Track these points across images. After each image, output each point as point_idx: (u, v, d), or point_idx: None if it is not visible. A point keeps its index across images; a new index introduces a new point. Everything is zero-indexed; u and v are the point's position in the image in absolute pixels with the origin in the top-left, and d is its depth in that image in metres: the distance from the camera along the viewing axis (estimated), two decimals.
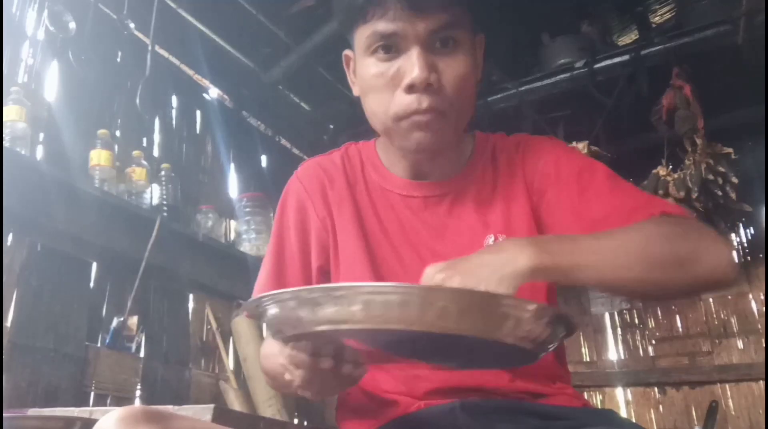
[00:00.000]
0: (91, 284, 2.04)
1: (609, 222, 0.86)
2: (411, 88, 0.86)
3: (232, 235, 2.69)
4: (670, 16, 2.89)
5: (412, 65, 0.85)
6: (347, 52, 0.99)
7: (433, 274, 0.72)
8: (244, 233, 2.65)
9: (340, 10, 0.93)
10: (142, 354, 2.10)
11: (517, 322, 0.59)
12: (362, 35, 0.90)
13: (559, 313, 0.63)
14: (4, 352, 1.65)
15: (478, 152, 1.04)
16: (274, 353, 0.91)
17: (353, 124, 3.22)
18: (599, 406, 3.23)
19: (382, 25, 0.86)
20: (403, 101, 0.87)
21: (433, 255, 0.95)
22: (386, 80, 0.88)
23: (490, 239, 0.95)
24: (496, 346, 0.61)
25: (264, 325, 1.05)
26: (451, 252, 0.94)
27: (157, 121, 2.57)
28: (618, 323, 3.45)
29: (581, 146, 2.82)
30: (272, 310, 0.63)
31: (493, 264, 0.73)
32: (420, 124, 0.88)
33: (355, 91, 0.98)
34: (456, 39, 0.88)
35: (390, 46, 0.88)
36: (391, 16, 0.85)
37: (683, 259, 0.80)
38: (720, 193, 2.69)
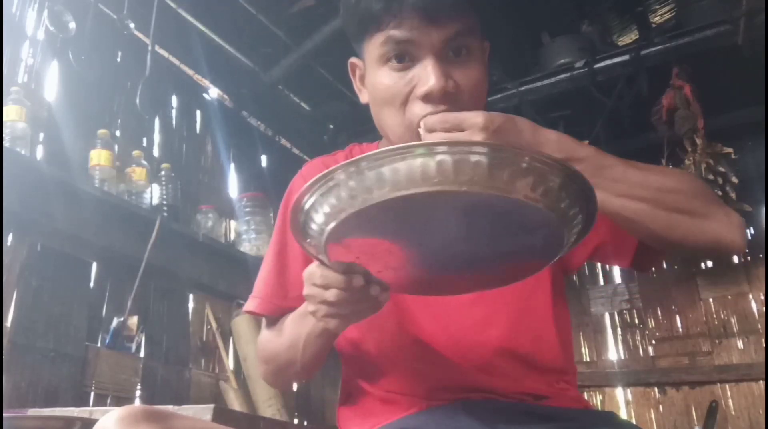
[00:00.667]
0: (91, 284, 2.04)
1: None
2: (428, 98, 0.84)
3: (232, 235, 2.69)
4: (670, 16, 2.90)
5: (427, 75, 0.84)
6: (354, 60, 0.98)
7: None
8: (244, 233, 2.65)
9: (353, 17, 0.91)
10: (142, 354, 2.10)
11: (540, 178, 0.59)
12: (375, 43, 0.89)
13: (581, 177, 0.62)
14: (4, 352, 1.65)
15: None
16: (271, 337, 0.99)
17: (353, 124, 3.22)
18: (599, 407, 3.24)
19: (398, 33, 0.85)
20: (419, 110, 0.85)
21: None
22: (399, 90, 0.87)
23: None
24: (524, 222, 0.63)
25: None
26: None
27: (157, 121, 2.57)
28: (618, 323, 3.45)
29: None
30: (332, 183, 0.61)
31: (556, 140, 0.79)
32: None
33: (363, 99, 0.97)
34: (468, 47, 0.88)
35: (403, 56, 0.87)
36: (405, 23, 0.84)
37: (707, 209, 0.84)
38: (720, 193, 2.69)
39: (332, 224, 0.63)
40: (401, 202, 0.59)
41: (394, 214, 0.62)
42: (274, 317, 1.01)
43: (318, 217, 0.64)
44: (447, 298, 0.90)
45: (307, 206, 0.64)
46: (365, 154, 0.59)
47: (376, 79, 0.90)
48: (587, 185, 0.61)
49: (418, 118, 0.85)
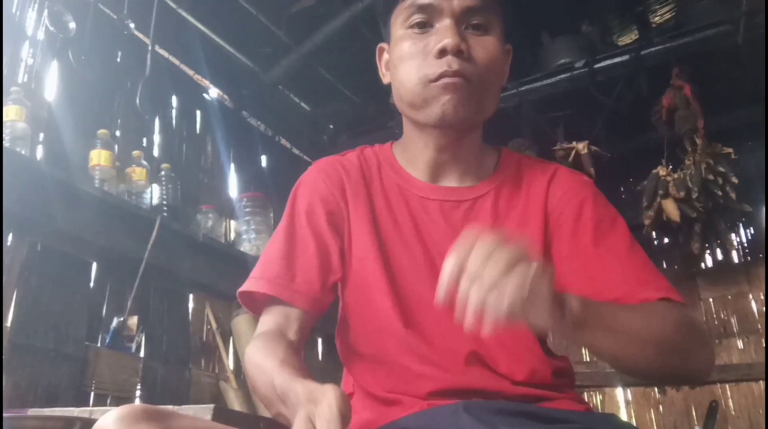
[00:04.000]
0: (91, 284, 2.04)
1: (613, 285, 0.90)
2: (442, 53, 0.90)
3: (232, 235, 2.69)
4: (670, 16, 2.89)
5: (444, 34, 0.91)
6: (382, 44, 1.04)
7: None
8: (244, 233, 2.65)
9: None
10: (142, 354, 2.10)
11: None
12: (400, 9, 0.96)
13: None
14: (4, 352, 1.65)
15: (503, 166, 1.05)
16: (258, 363, 0.86)
17: (353, 124, 3.23)
18: (599, 407, 3.24)
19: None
20: (434, 64, 0.91)
21: (443, 258, 0.94)
22: (419, 49, 0.93)
23: None
24: None
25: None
26: None
27: (157, 121, 2.57)
28: None
29: (581, 146, 2.82)
30: None
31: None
32: (448, 87, 0.91)
33: (385, 80, 1.02)
34: (487, 24, 0.94)
35: (425, 21, 0.93)
36: None
37: (685, 352, 0.85)
38: (720, 193, 2.69)
39: None
40: None
41: None
42: (272, 317, 0.96)
43: None
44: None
45: None
46: None
47: (398, 44, 0.96)
48: None
49: (433, 72, 0.90)
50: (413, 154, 1.03)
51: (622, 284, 0.90)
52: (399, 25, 0.96)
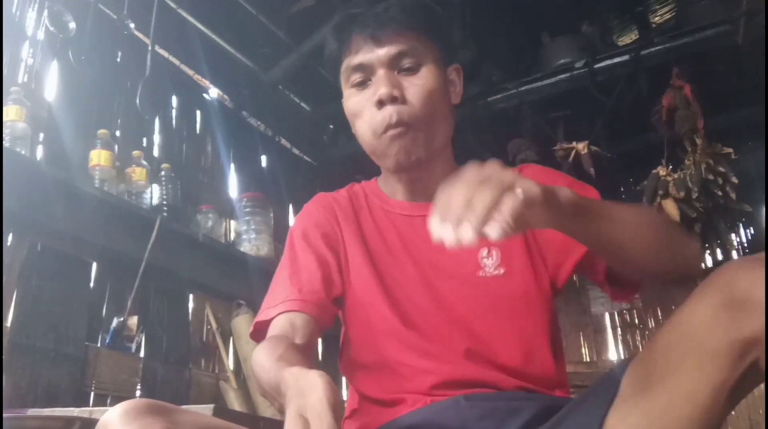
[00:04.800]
0: (91, 284, 2.04)
1: None
2: (380, 103, 0.99)
3: (232, 235, 2.68)
4: (670, 16, 2.90)
5: (378, 84, 0.99)
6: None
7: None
8: (244, 233, 2.65)
9: (326, 62, 1.09)
10: (142, 354, 2.10)
11: None
12: (343, 72, 1.05)
13: None
14: (4, 352, 1.65)
15: None
16: (266, 371, 0.83)
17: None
18: None
19: (352, 60, 1.02)
20: (377, 117, 0.99)
21: (432, 267, 1.02)
22: (363, 104, 1.02)
23: (484, 252, 1.02)
24: None
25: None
26: (450, 265, 1.01)
27: (157, 121, 2.57)
28: (618, 323, 3.45)
29: (581, 146, 2.82)
30: None
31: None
32: (394, 137, 0.99)
33: (351, 125, 1.10)
34: (417, 62, 1.01)
35: (363, 79, 1.02)
36: (357, 49, 1.02)
37: (673, 243, 0.90)
38: (720, 193, 2.69)
39: None
40: None
41: None
42: (277, 327, 0.96)
43: None
44: (446, 309, 0.98)
45: None
46: None
47: (347, 101, 1.06)
48: None
49: (378, 125, 0.99)
50: (392, 185, 1.11)
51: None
52: (345, 85, 1.06)
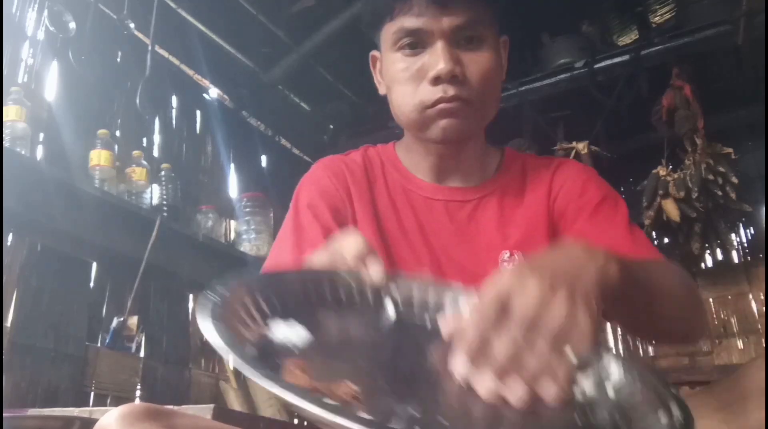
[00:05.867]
0: (91, 284, 2.04)
1: (619, 247, 0.86)
2: (436, 80, 0.88)
3: (232, 235, 2.68)
4: (670, 16, 2.89)
5: (437, 59, 0.88)
6: (374, 52, 1.02)
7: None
8: (244, 233, 2.65)
9: (367, 7, 0.97)
10: (142, 354, 2.10)
11: None
12: (389, 32, 0.93)
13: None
14: (4, 352, 1.65)
15: (506, 166, 1.05)
16: None
17: (353, 124, 3.22)
18: None
19: (408, 22, 0.90)
20: (429, 91, 0.89)
21: (449, 260, 0.95)
22: (412, 74, 0.91)
23: (506, 255, 0.94)
24: None
25: None
26: (466, 260, 0.95)
27: (157, 121, 2.57)
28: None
29: (581, 146, 2.82)
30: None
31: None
32: (446, 111, 0.90)
33: (381, 90, 1.01)
34: (480, 36, 0.91)
35: (416, 43, 0.91)
36: (416, 12, 0.89)
37: (692, 315, 0.83)
38: (720, 193, 2.69)
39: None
40: None
41: None
42: None
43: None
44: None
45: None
46: None
47: (390, 64, 0.94)
48: None
49: (429, 99, 0.89)
50: (416, 158, 1.02)
51: (628, 247, 0.88)
52: (389, 46, 0.94)
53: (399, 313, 0.69)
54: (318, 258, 0.71)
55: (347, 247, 0.69)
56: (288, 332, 0.56)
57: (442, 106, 0.90)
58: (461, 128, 0.92)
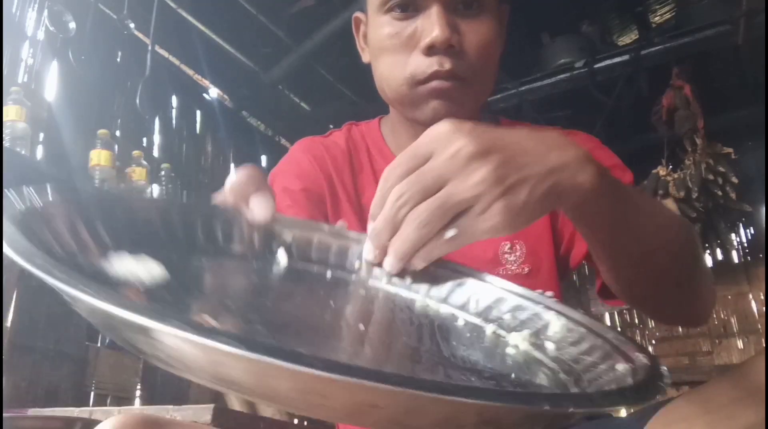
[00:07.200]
0: None
1: None
2: (430, 49, 0.76)
3: None
4: (670, 16, 2.90)
5: (431, 24, 0.76)
6: (357, 14, 0.90)
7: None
8: None
9: None
10: None
11: None
12: None
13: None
14: (4, 352, 1.65)
15: None
16: None
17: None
18: None
19: None
20: (422, 63, 0.77)
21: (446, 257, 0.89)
22: (402, 41, 0.79)
23: (506, 246, 0.87)
24: None
25: None
26: (463, 255, 0.87)
27: (157, 121, 2.57)
28: (618, 323, 3.45)
29: None
30: None
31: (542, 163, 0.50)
32: (439, 92, 0.78)
33: (365, 58, 0.89)
34: (480, 1, 0.79)
35: (407, 4, 0.79)
36: None
37: (696, 279, 0.71)
38: (720, 193, 2.69)
39: None
40: None
41: None
42: None
43: None
44: None
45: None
46: None
47: (376, 29, 0.82)
48: None
49: (422, 72, 0.77)
50: (403, 140, 0.91)
51: None
52: (377, 7, 0.81)
53: (291, 259, 0.58)
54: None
55: (230, 180, 0.57)
56: (135, 267, 0.44)
57: (435, 83, 0.78)
58: (454, 112, 0.77)
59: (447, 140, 0.48)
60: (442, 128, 0.49)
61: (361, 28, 0.89)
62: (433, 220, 0.48)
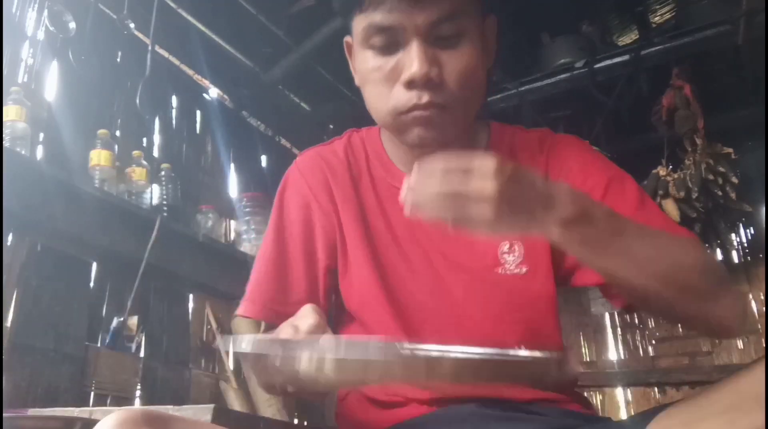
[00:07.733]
0: (91, 284, 2.04)
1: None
2: (410, 84, 0.81)
3: (232, 235, 2.68)
4: (670, 16, 2.89)
5: (411, 60, 0.80)
6: (348, 38, 0.93)
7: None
8: (244, 233, 2.65)
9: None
10: (142, 354, 2.10)
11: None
12: (359, 25, 0.85)
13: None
14: (4, 352, 1.65)
15: (493, 145, 0.98)
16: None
17: (353, 124, 3.22)
18: (599, 407, 3.23)
19: (379, 17, 0.81)
20: (402, 97, 0.82)
21: (444, 260, 0.91)
22: (385, 74, 0.83)
23: (505, 247, 0.90)
24: None
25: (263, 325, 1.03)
26: (463, 258, 0.90)
27: (157, 121, 2.57)
28: (618, 323, 3.45)
29: None
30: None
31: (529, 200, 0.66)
32: (420, 120, 0.83)
33: (356, 80, 0.93)
34: (459, 30, 0.82)
35: (388, 43, 0.82)
36: (388, 6, 0.80)
37: (716, 292, 0.75)
38: (720, 193, 2.69)
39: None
40: None
41: None
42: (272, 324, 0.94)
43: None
44: (455, 308, 0.89)
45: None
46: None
47: (361, 62, 0.87)
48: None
49: (403, 105, 0.83)
50: (400, 151, 0.96)
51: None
52: (360, 40, 0.85)
53: None
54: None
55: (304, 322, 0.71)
56: None
57: (416, 113, 0.82)
58: (438, 136, 0.84)
59: (486, 169, 0.63)
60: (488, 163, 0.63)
61: (352, 52, 0.93)
62: (449, 181, 0.64)
